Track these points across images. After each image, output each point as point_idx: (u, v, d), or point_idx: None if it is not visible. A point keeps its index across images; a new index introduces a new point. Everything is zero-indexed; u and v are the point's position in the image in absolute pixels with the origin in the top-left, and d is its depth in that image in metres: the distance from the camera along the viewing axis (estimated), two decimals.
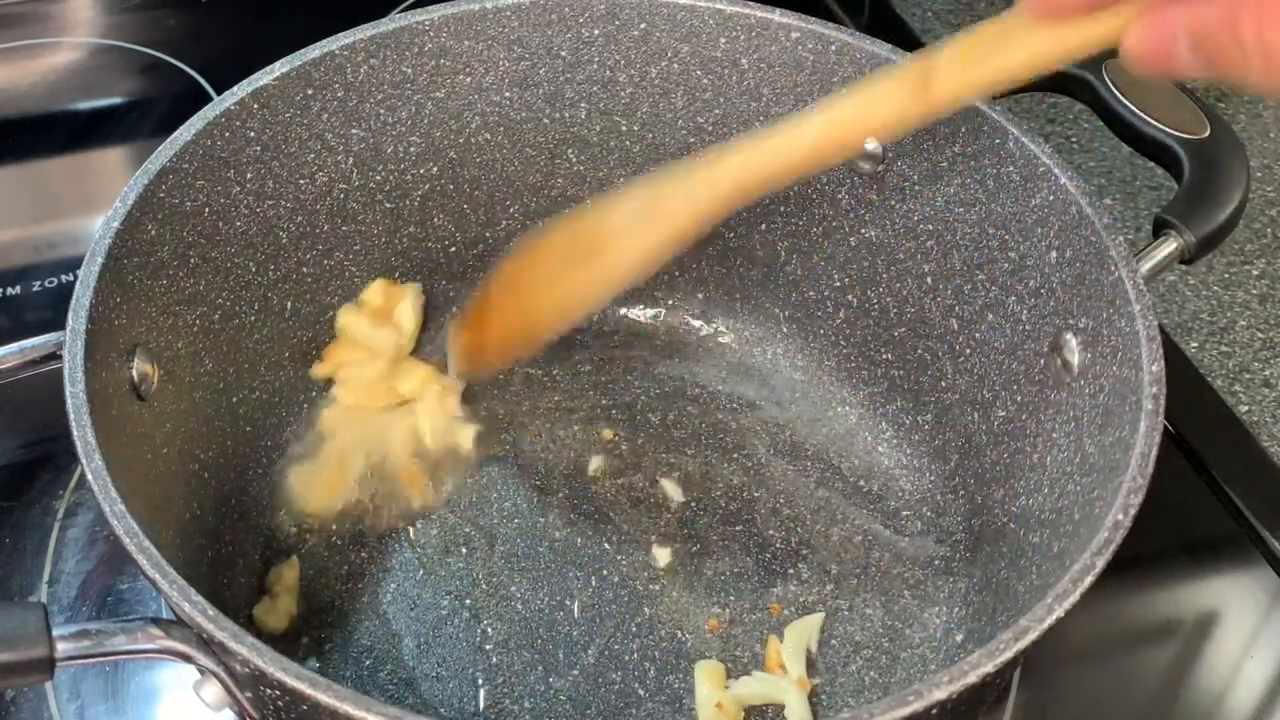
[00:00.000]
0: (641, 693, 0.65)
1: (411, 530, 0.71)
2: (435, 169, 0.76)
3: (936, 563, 0.70)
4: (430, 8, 0.71)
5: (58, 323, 0.56)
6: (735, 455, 0.76)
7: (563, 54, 0.74)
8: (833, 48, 0.71)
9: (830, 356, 0.79)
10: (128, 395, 0.59)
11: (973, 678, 0.46)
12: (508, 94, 0.75)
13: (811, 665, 0.66)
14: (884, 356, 0.76)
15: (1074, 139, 1.00)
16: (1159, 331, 0.57)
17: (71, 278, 0.71)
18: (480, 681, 0.65)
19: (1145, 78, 0.47)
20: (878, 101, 0.54)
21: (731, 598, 0.69)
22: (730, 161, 0.58)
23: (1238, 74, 0.41)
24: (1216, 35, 0.42)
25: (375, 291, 0.76)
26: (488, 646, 0.67)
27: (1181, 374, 0.77)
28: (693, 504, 0.73)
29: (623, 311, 0.83)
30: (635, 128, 0.77)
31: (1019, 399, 0.66)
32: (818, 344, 0.79)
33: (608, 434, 0.76)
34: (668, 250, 0.61)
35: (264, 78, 0.67)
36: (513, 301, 0.66)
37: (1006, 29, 0.50)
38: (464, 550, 0.71)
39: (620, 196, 0.62)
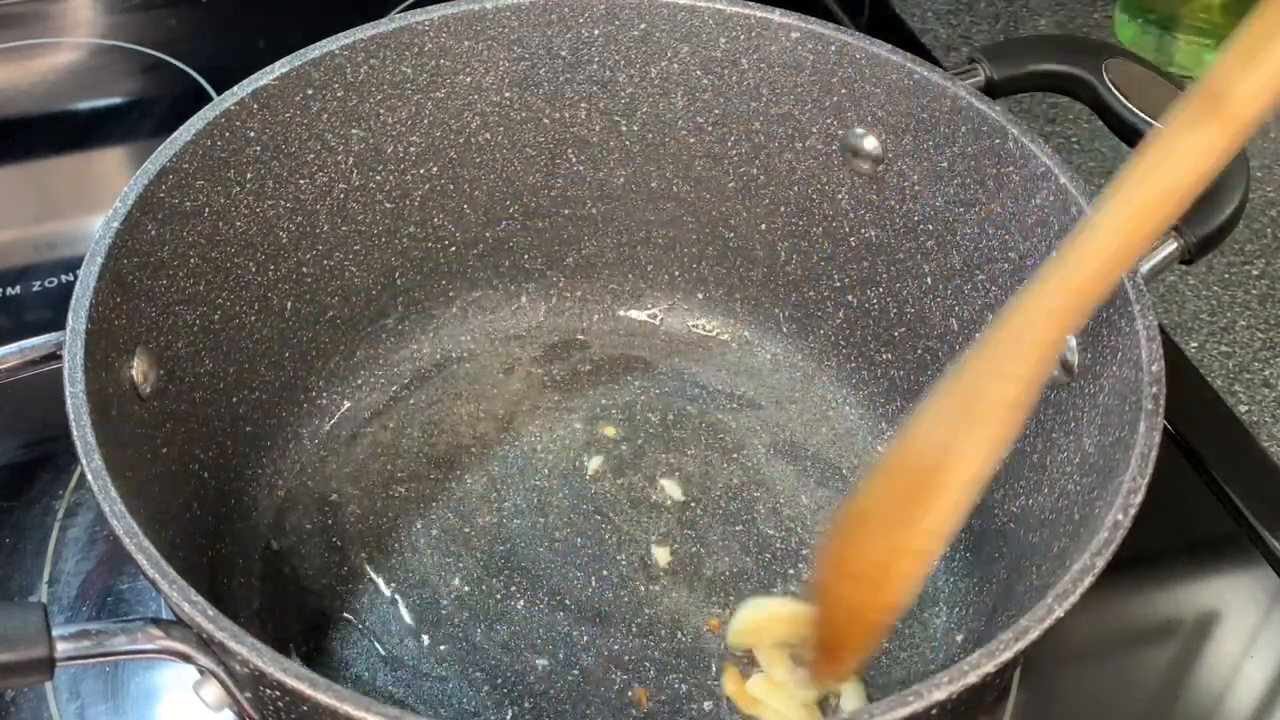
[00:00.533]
0: (641, 692, 0.65)
1: (412, 531, 0.71)
2: (435, 169, 0.76)
3: (936, 562, 0.70)
4: (430, 8, 0.71)
5: (58, 323, 0.56)
6: (735, 455, 0.76)
7: (563, 54, 0.74)
8: (833, 48, 0.71)
9: (830, 356, 0.79)
10: (128, 395, 0.59)
11: (973, 678, 0.46)
12: (508, 94, 0.75)
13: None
14: (884, 356, 0.76)
15: (1074, 139, 1.00)
16: (1159, 331, 0.57)
17: (71, 278, 0.71)
18: (480, 681, 0.65)
19: None
20: (1181, 160, 0.47)
21: (731, 598, 0.69)
22: (1037, 309, 0.50)
23: None
24: None
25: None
26: (488, 646, 0.67)
27: (1181, 374, 0.77)
28: (693, 504, 0.73)
29: (623, 311, 0.83)
30: (635, 128, 0.77)
31: None
32: (818, 344, 0.79)
33: (608, 434, 0.76)
34: (1004, 444, 0.51)
35: (264, 78, 0.67)
36: (858, 584, 0.55)
37: (1270, 14, 0.44)
38: (464, 550, 0.71)
39: (923, 408, 0.53)
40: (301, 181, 0.71)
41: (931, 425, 0.53)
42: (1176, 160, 0.48)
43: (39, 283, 0.86)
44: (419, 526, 0.72)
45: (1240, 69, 0.46)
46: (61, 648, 0.48)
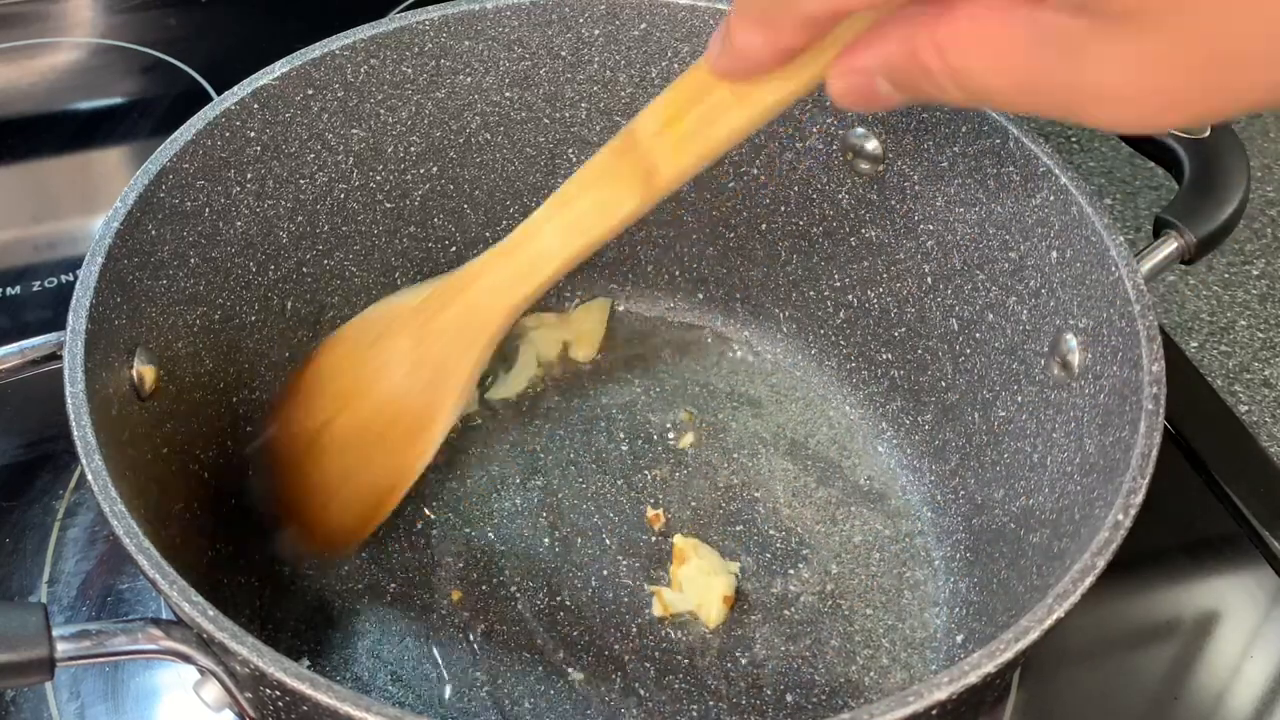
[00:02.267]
0: (642, 693, 0.65)
1: (412, 530, 0.71)
2: (435, 169, 0.76)
3: (936, 563, 0.70)
4: (430, 8, 0.71)
5: (58, 323, 0.56)
6: (735, 455, 0.76)
7: (563, 54, 0.74)
8: None
9: (830, 356, 0.79)
10: (128, 395, 0.59)
11: (973, 678, 0.46)
12: (508, 94, 0.75)
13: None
14: (884, 356, 0.76)
15: (1074, 139, 1.00)
16: (1159, 331, 0.57)
17: (71, 278, 0.72)
18: (480, 681, 0.65)
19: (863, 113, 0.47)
20: (610, 206, 0.55)
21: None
22: (489, 297, 0.59)
23: (941, 98, 0.41)
24: (907, 69, 0.42)
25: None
26: (488, 646, 0.67)
27: (1181, 374, 0.77)
28: (693, 504, 0.73)
29: (623, 311, 0.83)
30: None
31: (1019, 399, 0.66)
32: (818, 344, 0.79)
33: (608, 434, 0.76)
34: (458, 409, 0.62)
35: (264, 78, 0.67)
36: (324, 503, 0.67)
37: (704, 89, 0.50)
38: (464, 550, 0.71)
39: (391, 349, 0.63)
40: (301, 181, 0.71)
41: (411, 375, 0.62)
42: (609, 216, 0.55)
43: (39, 283, 0.86)
44: (419, 527, 0.72)
45: (670, 148, 0.52)
46: (62, 648, 0.48)
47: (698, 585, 0.68)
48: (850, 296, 0.77)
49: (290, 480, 0.67)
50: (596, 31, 0.73)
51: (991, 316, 0.69)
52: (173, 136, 0.64)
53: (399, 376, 0.63)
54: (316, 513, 0.67)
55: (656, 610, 0.68)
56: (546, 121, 0.76)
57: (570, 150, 0.77)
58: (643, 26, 0.73)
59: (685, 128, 0.51)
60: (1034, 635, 0.48)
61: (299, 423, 0.66)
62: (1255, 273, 0.90)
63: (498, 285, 0.59)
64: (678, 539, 0.70)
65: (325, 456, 0.66)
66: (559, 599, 0.69)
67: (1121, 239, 0.60)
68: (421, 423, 0.63)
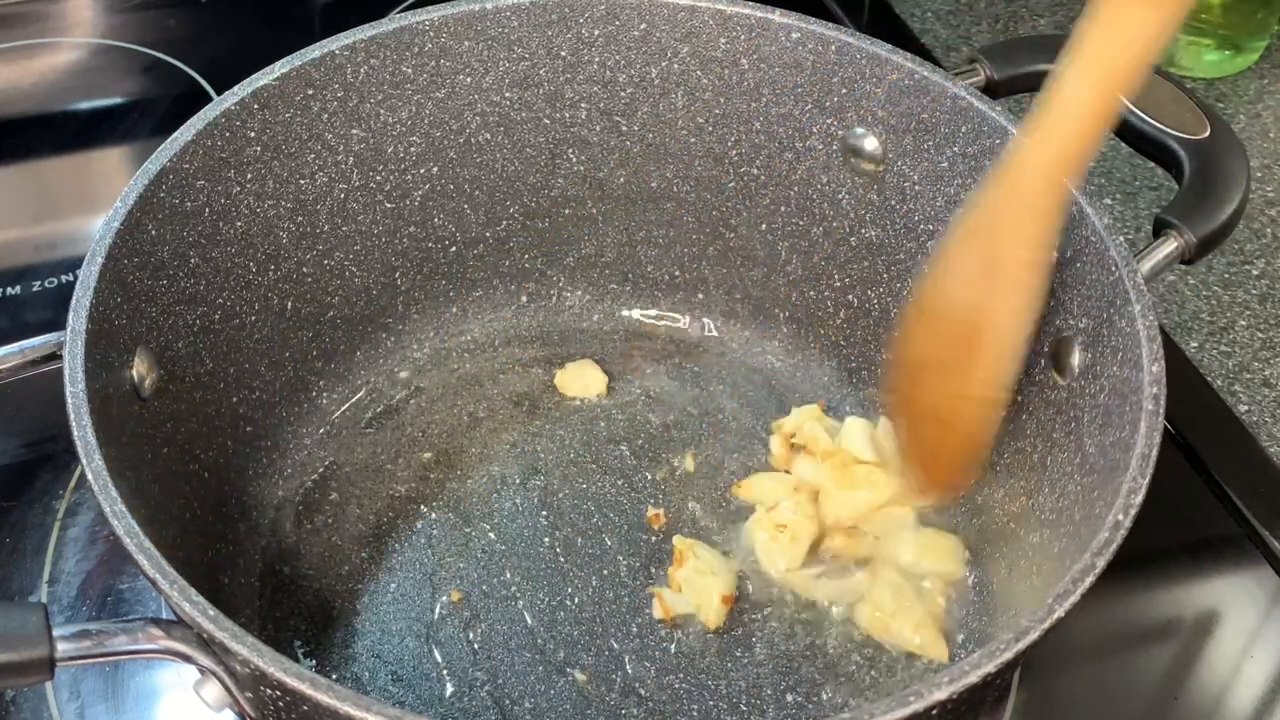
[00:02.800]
0: (642, 692, 0.65)
1: (412, 530, 0.71)
2: (435, 169, 0.76)
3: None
4: (430, 8, 0.71)
5: (58, 323, 0.56)
6: (735, 455, 0.76)
7: (563, 54, 0.74)
8: (833, 48, 0.71)
9: (830, 356, 0.79)
10: (128, 395, 0.59)
11: (973, 678, 0.46)
12: (508, 94, 0.75)
13: None
14: (884, 356, 0.76)
15: None
16: (1159, 331, 0.57)
17: (71, 278, 0.72)
18: (480, 681, 0.65)
19: None
20: (1131, 32, 0.52)
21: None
22: (1031, 172, 0.56)
23: None
24: None
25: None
26: (488, 646, 0.67)
27: (1181, 374, 0.77)
28: (693, 504, 0.73)
29: (623, 311, 0.83)
30: (635, 128, 0.77)
31: (1019, 399, 0.66)
32: (818, 344, 0.79)
33: (608, 434, 0.76)
34: (1030, 301, 0.57)
35: (264, 78, 0.67)
36: (929, 429, 0.63)
37: None
38: (464, 550, 0.71)
39: (948, 262, 0.59)
40: (301, 181, 0.71)
41: (961, 282, 0.58)
42: (1127, 33, 0.52)
43: (39, 283, 0.86)
44: (419, 527, 0.72)
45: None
46: (62, 648, 0.48)
47: (697, 586, 0.68)
48: (850, 296, 0.77)
49: (907, 435, 0.64)
50: (596, 31, 0.73)
51: None
52: (173, 136, 0.64)
53: (957, 292, 0.59)
54: (928, 460, 0.64)
55: (657, 612, 0.67)
56: (546, 121, 0.76)
57: (570, 150, 0.77)
58: (643, 26, 0.73)
59: None
60: (1034, 635, 0.48)
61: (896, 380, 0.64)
62: (1255, 273, 0.90)
63: (1029, 154, 0.55)
64: (677, 540, 0.70)
65: (911, 401, 0.62)
66: (559, 599, 0.69)
67: (1121, 239, 0.60)
68: (979, 328, 0.57)
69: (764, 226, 0.78)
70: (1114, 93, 0.54)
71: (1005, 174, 0.57)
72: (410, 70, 0.72)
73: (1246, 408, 0.81)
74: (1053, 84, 0.54)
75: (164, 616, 0.54)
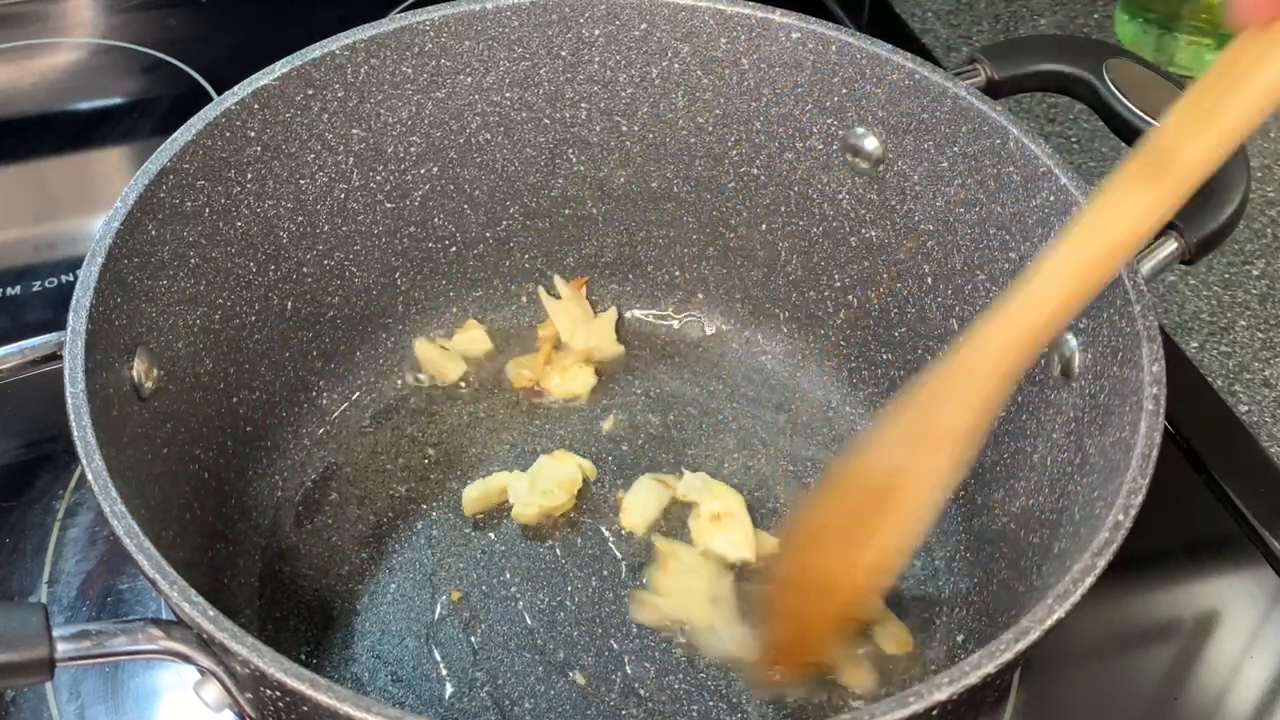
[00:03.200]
0: (642, 693, 0.65)
1: (412, 530, 0.71)
2: (435, 169, 0.76)
3: (937, 563, 0.70)
4: (430, 8, 0.71)
5: (58, 323, 0.56)
6: (736, 455, 0.76)
7: (563, 54, 0.74)
8: (833, 48, 0.71)
9: (830, 356, 0.79)
10: (128, 395, 0.59)
11: (973, 678, 0.46)
12: (508, 94, 0.75)
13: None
14: (884, 356, 0.76)
15: (1074, 139, 1.00)
16: (1159, 331, 0.57)
17: (71, 278, 0.71)
18: (480, 681, 0.65)
19: None
20: (1128, 218, 0.50)
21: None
22: (987, 344, 0.53)
23: None
24: None
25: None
26: (488, 646, 0.67)
27: (1181, 374, 0.77)
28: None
29: (623, 311, 0.83)
30: (635, 128, 0.77)
31: (1019, 399, 0.66)
32: (818, 344, 0.79)
33: (609, 434, 0.76)
34: (955, 471, 0.55)
35: (264, 78, 0.67)
36: (812, 593, 0.60)
37: (1226, 67, 0.46)
38: (464, 550, 0.71)
39: (879, 429, 0.56)
40: (301, 181, 0.71)
41: (887, 447, 0.56)
42: (1124, 218, 0.50)
43: (39, 283, 0.86)
44: (419, 526, 0.72)
45: (1190, 132, 0.48)
46: (62, 648, 0.48)
47: (681, 587, 0.68)
48: (850, 296, 0.77)
49: (783, 580, 0.62)
50: (596, 31, 0.73)
51: None
52: (173, 136, 0.64)
53: (883, 454, 0.56)
54: (792, 634, 0.62)
55: (642, 615, 0.67)
56: (546, 121, 0.76)
57: (570, 150, 0.77)
58: (643, 26, 0.73)
59: (1204, 105, 0.47)
60: (1034, 635, 0.48)
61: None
62: (1255, 273, 0.90)
63: (995, 325, 0.53)
64: (658, 541, 0.70)
65: (798, 569, 0.60)
66: (559, 599, 0.69)
67: None
68: (894, 492, 0.55)
69: (764, 226, 0.78)
70: (1101, 271, 0.52)
71: (966, 342, 0.54)
72: (410, 70, 0.72)
73: (1246, 408, 0.81)
74: (1039, 263, 0.53)
75: (164, 616, 0.54)
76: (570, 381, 0.78)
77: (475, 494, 0.71)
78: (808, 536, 0.59)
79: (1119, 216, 0.51)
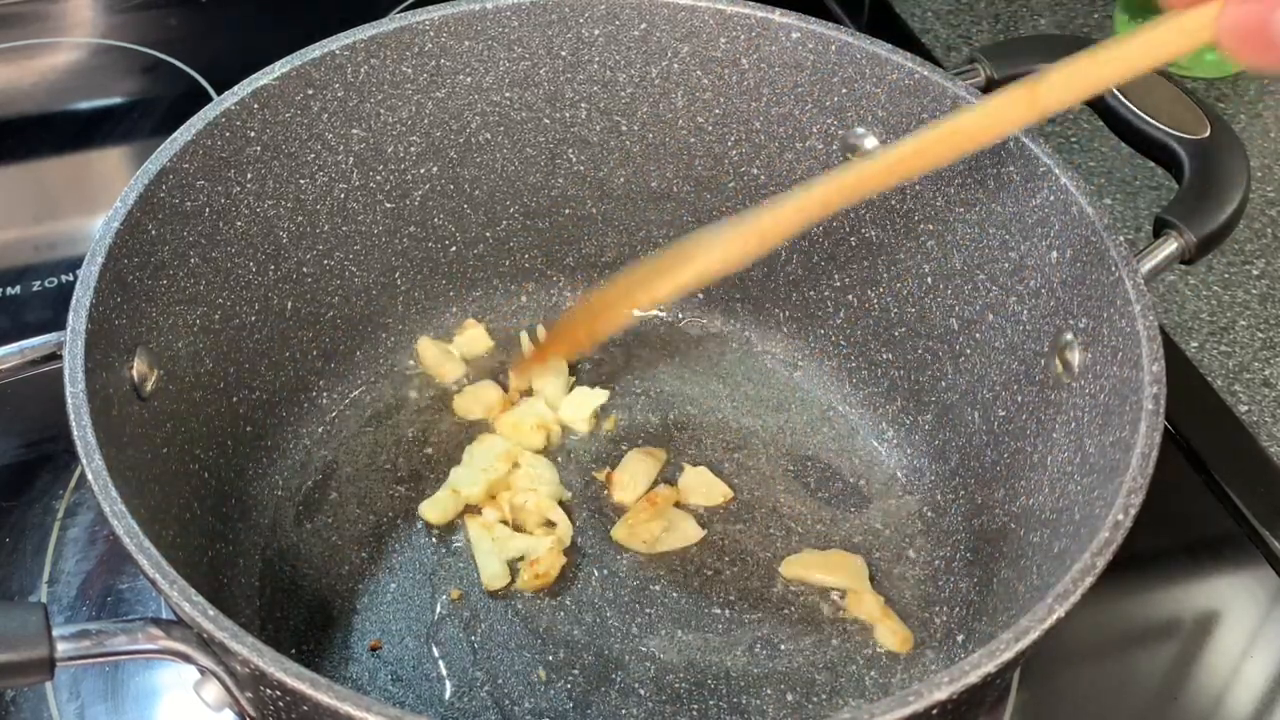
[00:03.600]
0: (642, 692, 0.65)
1: (412, 530, 0.71)
2: (435, 169, 0.76)
3: (937, 563, 0.70)
4: (430, 8, 0.71)
5: (58, 323, 0.56)
6: (736, 455, 0.76)
7: (563, 54, 0.74)
8: (833, 48, 0.71)
9: (830, 356, 0.79)
10: (128, 395, 0.59)
11: (973, 678, 0.46)
12: (508, 94, 0.75)
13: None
14: (884, 356, 0.76)
15: (1074, 139, 1.00)
16: (1159, 331, 0.57)
17: (71, 278, 0.72)
18: (480, 681, 0.65)
19: (1249, 66, 0.47)
20: (993, 113, 0.55)
21: (733, 597, 0.69)
22: (829, 183, 0.58)
23: None
24: None
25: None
26: (488, 646, 0.67)
27: (1181, 374, 0.77)
28: (693, 504, 0.73)
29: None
30: (635, 128, 0.77)
31: (1019, 399, 0.66)
32: (818, 344, 0.79)
33: (609, 434, 0.76)
34: (747, 253, 0.60)
35: (264, 78, 0.67)
36: (595, 307, 0.66)
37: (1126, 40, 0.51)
38: (464, 550, 0.71)
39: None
40: (301, 181, 0.71)
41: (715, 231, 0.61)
42: (990, 113, 0.56)
43: (39, 283, 0.86)
44: (419, 527, 0.72)
45: (1066, 90, 0.54)
46: (62, 648, 0.48)
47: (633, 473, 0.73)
48: (850, 296, 0.77)
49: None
50: (596, 31, 0.73)
51: (991, 316, 0.69)
52: (173, 136, 0.64)
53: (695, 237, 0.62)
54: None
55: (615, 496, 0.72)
56: (546, 121, 0.76)
57: (570, 150, 0.77)
58: (643, 26, 0.73)
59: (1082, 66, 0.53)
60: (1034, 635, 0.48)
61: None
62: (1255, 273, 0.90)
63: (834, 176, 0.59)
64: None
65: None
66: (559, 599, 0.69)
67: (1121, 239, 0.60)
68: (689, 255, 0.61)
69: None
70: (952, 155, 0.57)
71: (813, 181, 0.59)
72: (410, 70, 0.72)
73: (1246, 408, 0.81)
74: (908, 139, 0.56)
75: (164, 616, 0.54)
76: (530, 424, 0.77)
77: (432, 507, 0.71)
78: (622, 279, 0.64)
79: (990, 117, 0.56)
